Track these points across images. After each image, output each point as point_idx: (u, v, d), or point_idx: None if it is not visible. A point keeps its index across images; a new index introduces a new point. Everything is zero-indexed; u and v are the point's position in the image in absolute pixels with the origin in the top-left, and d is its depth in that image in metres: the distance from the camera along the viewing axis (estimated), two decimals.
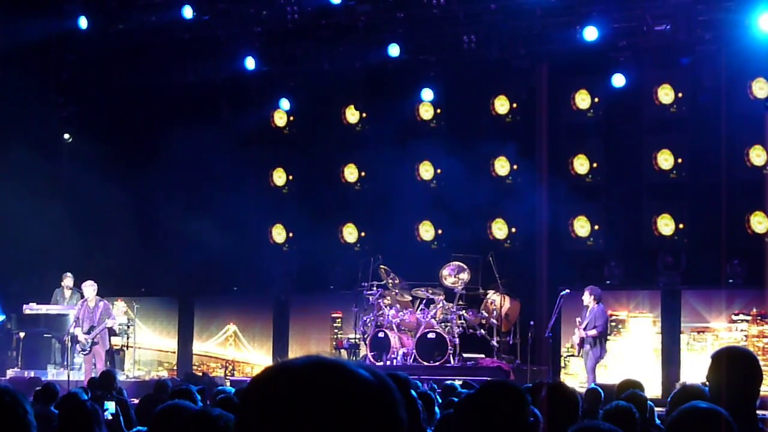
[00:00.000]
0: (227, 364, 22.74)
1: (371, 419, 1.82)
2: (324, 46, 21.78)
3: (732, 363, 5.10)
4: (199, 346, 23.06)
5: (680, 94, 20.81)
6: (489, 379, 4.79)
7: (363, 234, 22.89)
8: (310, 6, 21.35)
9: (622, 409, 6.65)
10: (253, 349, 22.62)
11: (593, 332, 17.80)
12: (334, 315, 22.00)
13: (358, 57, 21.73)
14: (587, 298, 18.03)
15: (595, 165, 21.38)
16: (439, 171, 22.56)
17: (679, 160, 20.75)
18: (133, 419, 10.16)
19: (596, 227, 21.20)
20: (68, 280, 20.87)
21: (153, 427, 5.01)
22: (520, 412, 4.16)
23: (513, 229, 21.68)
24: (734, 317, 19.47)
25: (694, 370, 18.75)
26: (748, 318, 19.47)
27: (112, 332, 20.15)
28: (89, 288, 19.57)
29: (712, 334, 19.54)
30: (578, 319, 18.01)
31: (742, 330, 19.33)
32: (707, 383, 5.26)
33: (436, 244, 22.29)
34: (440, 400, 9.73)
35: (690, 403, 4.17)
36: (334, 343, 21.66)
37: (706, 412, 3.98)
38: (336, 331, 21.91)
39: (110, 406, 7.03)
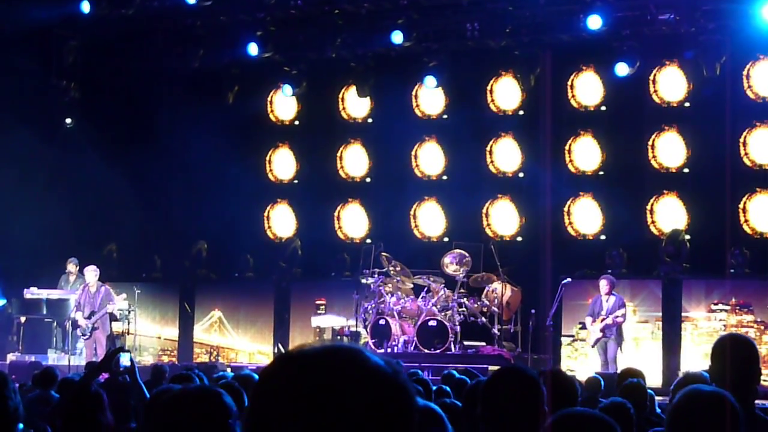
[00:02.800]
0: (212, 350, 22.79)
1: (381, 406, 1.83)
2: (327, 33, 21.74)
3: (735, 350, 5.11)
4: (173, 331, 23.12)
5: (683, 84, 20.77)
6: (503, 366, 4.79)
7: (366, 221, 22.87)
8: None
9: (617, 405, 6.65)
10: (237, 336, 22.68)
11: (621, 320, 17.96)
12: (318, 302, 22.04)
13: (362, 44, 21.69)
14: (605, 287, 18.11)
15: (598, 154, 21.35)
16: (442, 158, 22.53)
17: (683, 150, 20.73)
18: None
19: (599, 217, 21.18)
20: (72, 266, 20.88)
21: (147, 412, 5.01)
22: (536, 399, 4.17)
23: (523, 220, 21.65)
24: (713, 307, 19.55)
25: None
26: (727, 308, 19.54)
27: (113, 317, 20.16)
28: (91, 273, 19.61)
29: (691, 324, 19.62)
30: (602, 313, 18.02)
31: (721, 320, 19.38)
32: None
33: (441, 235, 22.26)
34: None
35: (692, 386, 4.17)
36: (318, 330, 21.69)
37: (710, 395, 3.97)
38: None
39: (125, 357, 7.08)
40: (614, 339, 18.01)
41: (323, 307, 21.86)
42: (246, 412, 1.87)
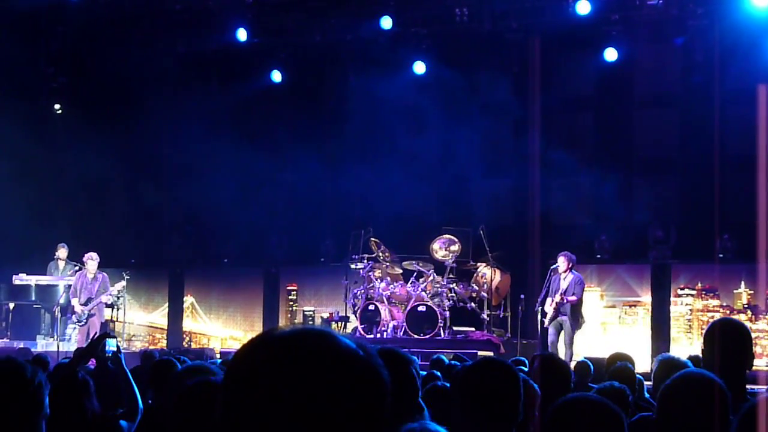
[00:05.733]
0: (184, 336, 22.87)
1: (352, 387, 1.82)
2: (316, 18, 21.70)
3: (725, 334, 5.11)
4: (146, 316, 23.16)
5: (672, 68, 20.79)
6: (482, 357, 4.77)
7: (356, 206, 22.86)
8: None
9: (616, 390, 6.63)
10: (210, 321, 22.76)
11: (573, 298, 17.43)
12: (289, 288, 22.10)
13: (350, 29, 21.65)
14: (563, 265, 17.57)
15: (587, 139, 21.38)
16: (430, 142, 22.52)
17: (672, 135, 20.78)
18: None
19: (588, 202, 21.22)
20: (62, 252, 20.78)
21: None
22: (514, 390, 4.15)
23: (504, 204, 21.71)
24: (680, 291, 19.66)
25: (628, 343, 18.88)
26: (693, 292, 19.67)
27: (107, 304, 20.11)
28: (92, 261, 19.43)
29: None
30: (559, 291, 17.47)
31: (687, 304, 19.47)
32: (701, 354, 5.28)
33: (430, 220, 22.29)
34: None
35: (683, 370, 4.17)
36: (286, 314, 21.78)
37: (700, 379, 3.97)
38: (291, 303, 21.98)
39: (112, 342, 7.07)
40: (567, 319, 17.41)
41: (294, 292, 21.96)
42: (219, 395, 1.87)
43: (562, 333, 17.51)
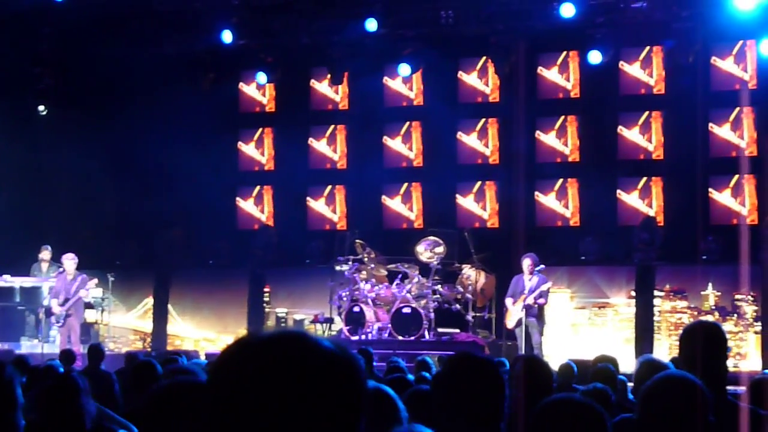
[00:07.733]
0: (145, 337, 22.84)
1: (333, 388, 1.86)
2: (302, 20, 21.68)
3: (705, 336, 5.14)
4: (120, 318, 23.14)
5: (657, 71, 20.88)
6: (459, 352, 4.72)
7: (341, 208, 22.88)
8: None
9: (598, 391, 6.67)
10: (183, 322, 22.77)
11: (542, 300, 17.49)
12: (263, 290, 22.16)
13: (336, 31, 21.64)
14: (528, 266, 17.55)
15: (572, 141, 21.44)
16: (416, 145, 22.57)
17: (657, 138, 20.86)
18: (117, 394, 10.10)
19: (573, 204, 21.28)
20: (45, 254, 20.71)
21: None
22: (495, 384, 4.11)
23: (497, 207, 21.76)
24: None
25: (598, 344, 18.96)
26: (662, 294, 19.77)
27: (87, 305, 20.05)
28: (70, 261, 19.39)
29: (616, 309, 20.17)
30: (524, 292, 17.47)
31: (655, 306, 19.60)
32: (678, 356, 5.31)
33: (416, 222, 22.32)
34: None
35: (664, 372, 4.19)
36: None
37: (681, 380, 4.00)
38: (265, 305, 21.99)
39: None
40: (536, 322, 17.45)
41: (267, 294, 21.99)
42: (204, 399, 1.90)
43: (532, 338, 17.57)
